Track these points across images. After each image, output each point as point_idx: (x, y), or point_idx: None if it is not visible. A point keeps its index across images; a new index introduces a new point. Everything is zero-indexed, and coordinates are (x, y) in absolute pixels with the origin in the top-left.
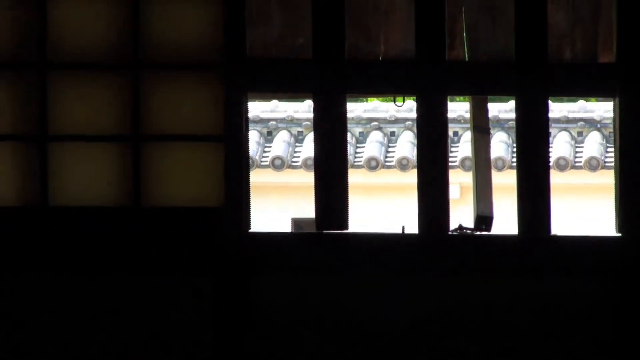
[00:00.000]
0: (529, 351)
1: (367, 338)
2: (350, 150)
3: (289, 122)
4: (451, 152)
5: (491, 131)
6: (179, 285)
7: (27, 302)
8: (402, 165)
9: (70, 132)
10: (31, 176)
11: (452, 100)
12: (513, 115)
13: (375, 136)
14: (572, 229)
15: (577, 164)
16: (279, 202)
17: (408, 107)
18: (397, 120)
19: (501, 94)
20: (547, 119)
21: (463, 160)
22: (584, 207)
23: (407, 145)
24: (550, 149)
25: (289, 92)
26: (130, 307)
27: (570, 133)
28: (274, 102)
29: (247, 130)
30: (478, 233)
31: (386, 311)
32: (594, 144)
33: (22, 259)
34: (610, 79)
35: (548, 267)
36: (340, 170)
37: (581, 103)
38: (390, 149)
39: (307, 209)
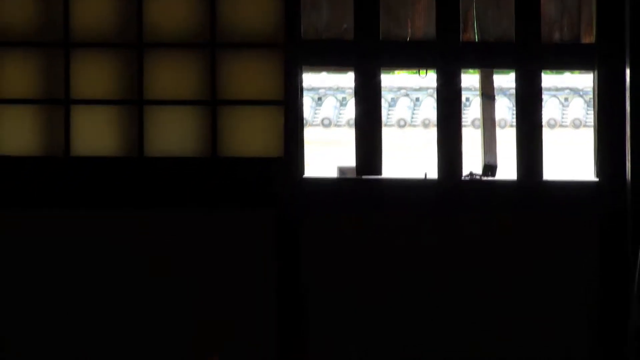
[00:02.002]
0: (524, 272)
1: (392, 259)
2: (383, 112)
3: (335, 90)
4: (464, 113)
5: (496, 97)
6: (248, 219)
7: (125, 235)
8: (425, 124)
9: (161, 97)
10: (130, 133)
11: (465, 73)
12: (513, 84)
13: (404, 101)
14: (559, 174)
15: (564, 124)
16: (327, 153)
17: (430, 78)
18: (421, 89)
19: (504, 67)
20: (540, 88)
21: (473, 120)
22: (569, 158)
23: (429, 108)
24: (542, 112)
25: (335, 66)
26: (208, 237)
27: (558, 99)
28: (324, 74)
29: (301, 96)
30: (485, 178)
31: (410, 239)
32: (578, 108)
33: (122, 199)
34: (591, 56)
35: (541, 205)
36: (375, 128)
37: (567, 75)
38: (415, 111)
39: (349, 159)
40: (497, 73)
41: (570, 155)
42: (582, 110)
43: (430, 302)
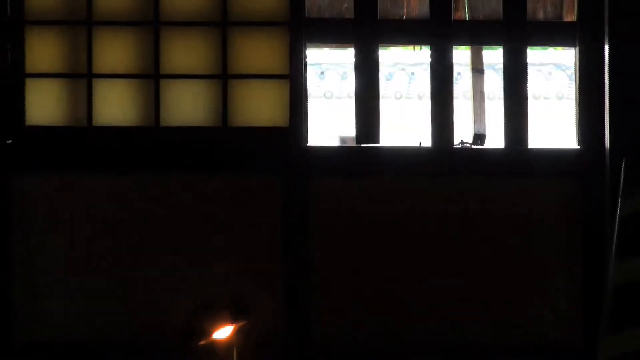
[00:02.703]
0: (512, 231)
1: (389, 219)
2: (381, 85)
3: (337, 64)
4: (455, 86)
5: (485, 71)
6: (257, 182)
7: (142, 196)
8: (420, 96)
9: (176, 72)
10: (147, 104)
11: (456, 49)
12: (501, 59)
13: (400, 75)
14: (544, 142)
15: (547, 96)
16: (329, 123)
17: (424, 54)
18: (416, 64)
19: (492, 44)
20: (526, 63)
21: (464, 92)
22: (552, 127)
23: (423, 81)
24: (528, 85)
25: (337, 42)
26: (219, 197)
27: (542, 73)
28: (326, 50)
29: (305, 70)
30: (475, 146)
31: (405, 200)
32: (560, 81)
33: (140, 165)
34: (572, 33)
35: (526, 171)
36: (373, 100)
37: (551, 51)
38: (410, 85)
39: (350, 128)
40: (486, 49)
41: (554, 125)
42: (565, 84)
43: (424, 257)
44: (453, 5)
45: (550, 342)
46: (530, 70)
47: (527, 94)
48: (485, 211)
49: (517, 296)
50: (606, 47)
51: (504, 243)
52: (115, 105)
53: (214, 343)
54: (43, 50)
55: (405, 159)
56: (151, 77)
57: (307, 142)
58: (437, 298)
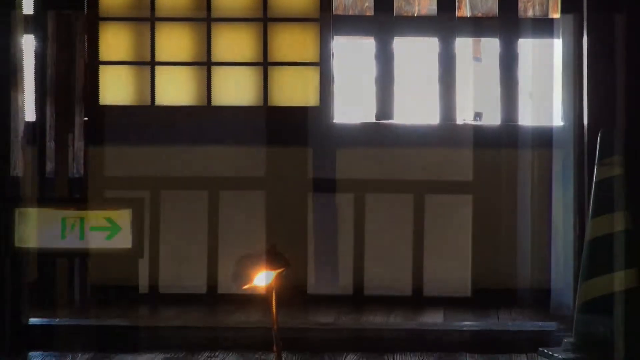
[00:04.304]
0: (505, 191)
1: (402, 179)
2: (395, 71)
3: (360, 53)
4: (457, 72)
5: (483, 59)
6: (290, 153)
7: (195, 163)
8: (428, 81)
9: (224, 60)
10: (200, 87)
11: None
12: (497, 49)
13: (412, 62)
14: (533, 120)
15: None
16: (352, 103)
17: (433, 45)
18: (425, 53)
19: (489, 36)
20: (517, 53)
21: (466, 78)
22: (540, 107)
23: (431, 68)
24: (519, 70)
25: (359, 35)
26: (261, 164)
27: (531, 60)
28: (350, 41)
29: (333, 58)
30: (474, 123)
31: (414, 166)
32: (547, 68)
33: (194, 138)
34: (557, 27)
35: (520, 143)
36: (390, 83)
37: (539, 42)
38: (420, 71)
39: (370, 108)
40: (484, 40)
41: (541, 104)
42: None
43: (425, 215)
44: (456, 4)
45: (543, 287)
46: (521, 57)
47: (517, 79)
48: (484, 174)
49: (510, 248)
50: (585, 39)
51: (498, 204)
52: (174, 88)
53: (256, 287)
54: (114, 42)
55: (416, 133)
56: (204, 64)
57: (333, 118)
58: (442, 246)
